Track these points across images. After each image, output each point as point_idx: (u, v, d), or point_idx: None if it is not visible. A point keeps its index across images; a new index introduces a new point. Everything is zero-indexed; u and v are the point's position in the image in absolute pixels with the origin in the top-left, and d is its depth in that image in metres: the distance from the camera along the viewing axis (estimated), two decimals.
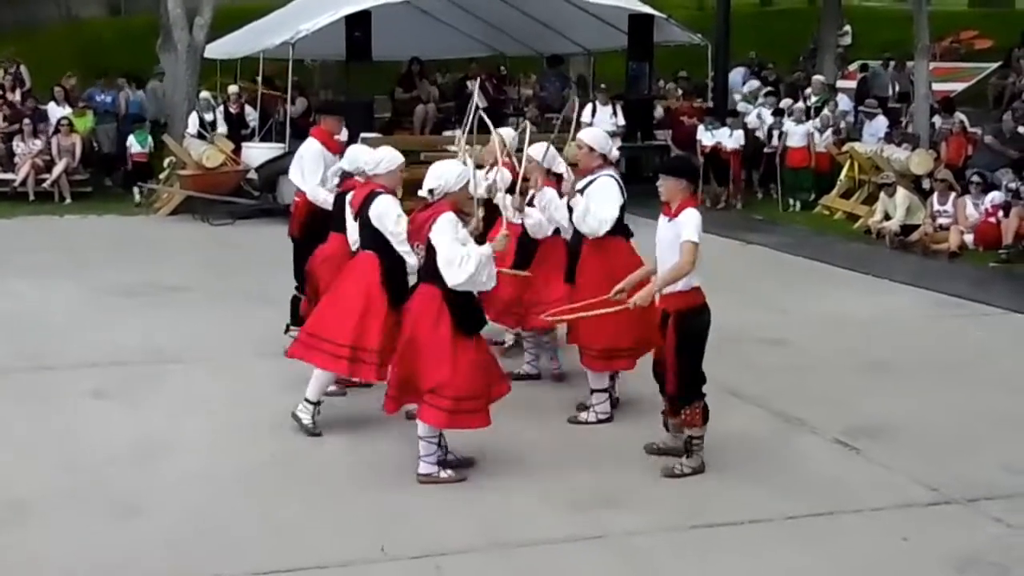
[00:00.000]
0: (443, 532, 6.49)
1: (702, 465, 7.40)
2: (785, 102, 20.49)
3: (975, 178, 16.15)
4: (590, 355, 8.21)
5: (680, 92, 22.80)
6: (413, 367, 7.10)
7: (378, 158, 7.89)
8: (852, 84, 23.84)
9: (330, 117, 9.64)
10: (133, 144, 20.21)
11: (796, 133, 19.46)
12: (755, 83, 23.44)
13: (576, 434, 8.10)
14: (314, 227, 9.06)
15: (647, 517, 6.71)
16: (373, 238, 7.75)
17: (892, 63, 23.75)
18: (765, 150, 20.00)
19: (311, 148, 9.31)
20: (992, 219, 15.46)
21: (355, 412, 8.29)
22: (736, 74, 24.03)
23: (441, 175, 7.07)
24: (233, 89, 20.71)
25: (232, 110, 20.06)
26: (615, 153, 8.50)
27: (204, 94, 20.43)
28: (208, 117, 19.61)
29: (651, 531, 6.53)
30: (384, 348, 7.61)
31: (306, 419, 8.01)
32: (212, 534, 6.45)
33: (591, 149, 8.22)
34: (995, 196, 15.78)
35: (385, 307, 7.71)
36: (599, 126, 15.61)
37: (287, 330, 9.62)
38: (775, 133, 19.73)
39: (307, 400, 8.02)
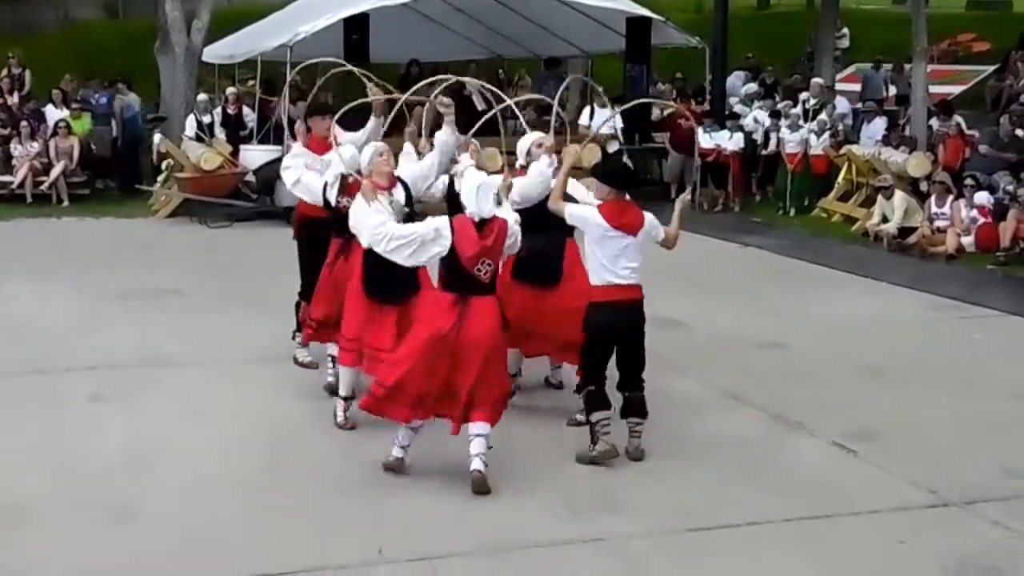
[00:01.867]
0: (441, 535, 6.49)
1: (603, 455, 7.45)
2: (785, 104, 20.46)
3: (968, 181, 16.17)
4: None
5: (675, 92, 22.79)
6: None
7: (364, 156, 8.01)
8: (851, 87, 23.83)
9: (317, 117, 9.54)
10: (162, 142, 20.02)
11: (792, 139, 19.47)
12: (754, 86, 23.44)
13: (573, 438, 8.08)
14: (315, 230, 8.99)
15: (645, 520, 6.71)
16: None
17: (885, 66, 23.75)
18: (763, 153, 20.00)
19: (292, 153, 9.24)
20: (982, 219, 15.48)
21: (352, 417, 8.28)
22: (735, 78, 24.03)
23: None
24: (231, 91, 20.69)
25: (230, 112, 20.05)
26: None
27: (201, 96, 20.42)
28: (206, 119, 19.60)
29: (649, 534, 6.53)
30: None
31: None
32: (209, 538, 6.44)
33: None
34: (981, 197, 15.80)
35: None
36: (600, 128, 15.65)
37: (294, 336, 9.60)
38: (772, 136, 19.73)
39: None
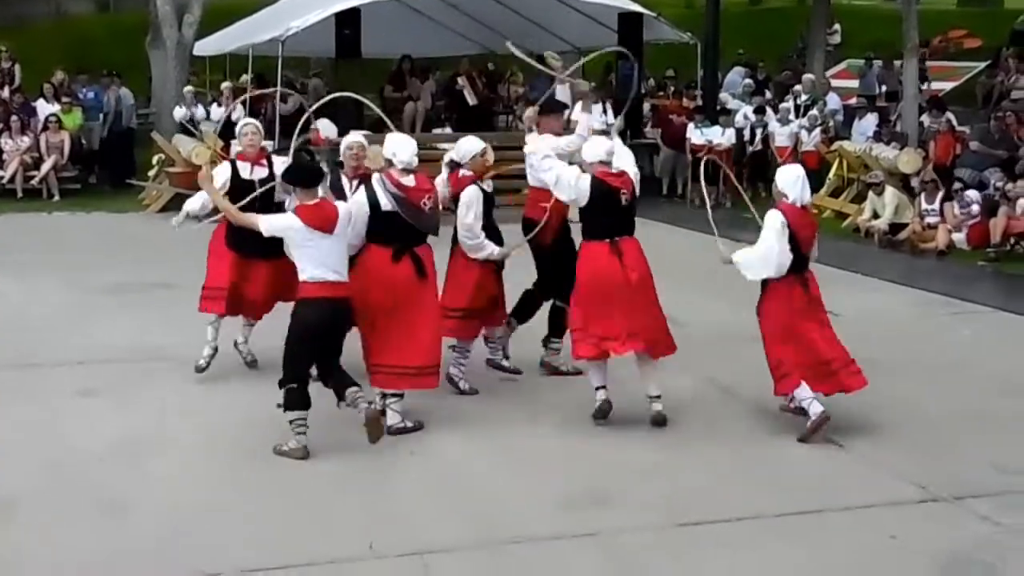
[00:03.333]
0: (431, 530, 6.48)
1: (291, 452, 7.49)
2: (772, 100, 20.47)
3: (956, 184, 16.19)
4: None
5: (653, 84, 22.77)
6: None
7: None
8: (844, 83, 23.86)
9: (550, 115, 9.41)
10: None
11: (782, 133, 19.48)
12: (751, 83, 23.49)
13: (564, 432, 8.09)
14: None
15: (636, 515, 6.71)
16: None
17: (878, 62, 23.79)
18: (750, 148, 20.03)
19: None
20: (972, 220, 15.52)
21: (341, 413, 8.26)
22: (735, 74, 24.06)
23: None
24: (225, 86, 20.66)
25: (222, 107, 19.99)
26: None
27: (187, 89, 20.37)
28: (191, 112, 19.53)
29: (640, 529, 6.53)
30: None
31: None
32: (199, 532, 6.44)
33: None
34: (971, 195, 15.82)
35: None
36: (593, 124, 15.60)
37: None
38: (757, 132, 19.75)
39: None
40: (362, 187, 8.04)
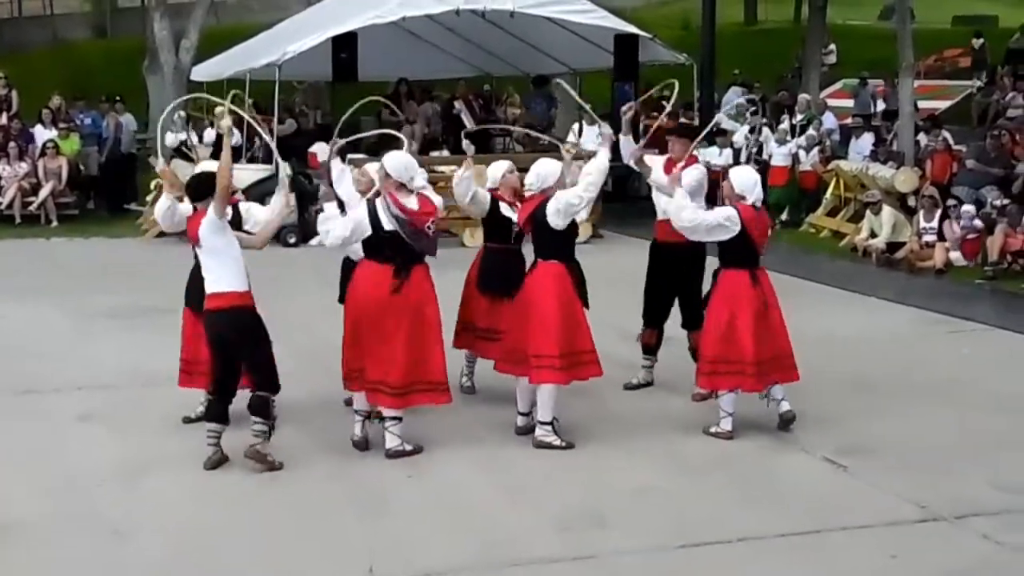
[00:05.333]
0: (431, 553, 6.47)
1: (210, 462, 7.70)
2: (782, 127, 20.45)
3: (951, 202, 16.22)
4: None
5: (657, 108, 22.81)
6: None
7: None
8: (840, 103, 23.92)
9: (676, 138, 9.54)
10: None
11: (779, 153, 19.52)
12: (742, 100, 23.48)
13: (563, 455, 8.08)
14: None
15: (636, 537, 6.70)
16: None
17: (874, 81, 23.85)
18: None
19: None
20: (974, 235, 15.55)
21: (343, 436, 8.27)
22: (732, 94, 24.11)
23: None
24: (219, 110, 20.65)
25: (219, 132, 20.00)
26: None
27: (179, 113, 20.39)
28: (181, 137, 19.53)
29: (640, 551, 6.52)
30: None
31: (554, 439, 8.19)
32: (199, 557, 6.43)
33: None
34: (968, 210, 15.86)
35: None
36: (586, 146, 15.66)
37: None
38: (752, 152, 19.80)
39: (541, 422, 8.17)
40: (363, 204, 8.00)
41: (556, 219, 8.15)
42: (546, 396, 8.15)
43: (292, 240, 17.22)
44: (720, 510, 7.11)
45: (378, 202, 7.89)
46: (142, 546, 6.54)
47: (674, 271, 9.39)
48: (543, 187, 8.29)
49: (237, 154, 19.27)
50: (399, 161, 7.97)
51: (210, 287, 7.62)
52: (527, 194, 8.49)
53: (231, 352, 7.69)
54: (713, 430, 8.43)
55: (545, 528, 6.82)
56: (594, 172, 8.20)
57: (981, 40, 28.41)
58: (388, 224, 7.79)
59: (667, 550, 6.56)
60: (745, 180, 8.50)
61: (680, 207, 8.30)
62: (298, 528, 6.80)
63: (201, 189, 7.86)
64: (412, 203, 7.87)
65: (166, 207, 8.44)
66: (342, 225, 7.88)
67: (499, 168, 9.09)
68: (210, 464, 7.71)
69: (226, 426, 7.74)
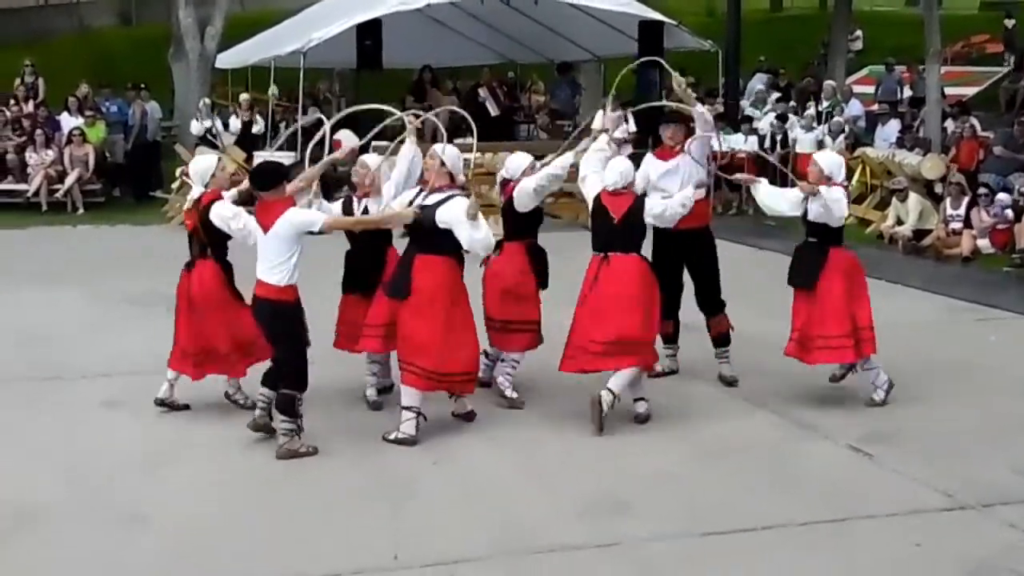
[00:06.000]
0: (456, 540, 6.48)
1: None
2: (808, 112, 20.35)
3: (982, 190, 16.11)
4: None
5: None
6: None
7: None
8: (867, 89, 23.79)
9: (670, 125, 9.49)
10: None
11: (805, 139, 19.43)
12: (762, 87, 23.39)
13: (586, 441, 8.08)
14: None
15: (660, 525, 6.70)
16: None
17: (899, 67, 23.71)
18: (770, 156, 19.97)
19: None
20: (1005, 224, 15.44)
21: (366, 424, 8.29)
22: (757, 81, 24.02)
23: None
24: (244, 97, 20.72)
25: (244, 119, 20.06)
26: (461, 178, 8.40)
27: (203, 101, 20.43)
28: (207, 124, 19.58)
29: (664, 538, 6.51)
30: None
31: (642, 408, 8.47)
32: (221, 543, 6.45)
33: (442, 164, 8.18)
34: (1002, 198, 15.75)
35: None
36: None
37: None
38: (778, 139, 19.70)
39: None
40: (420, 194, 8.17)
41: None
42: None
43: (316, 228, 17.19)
44: (744, 497, 7.09)
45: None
46: (162, 534, 6.56)
47: (682, 257, 9.33)
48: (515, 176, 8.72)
49: (262, 141, 19.45)
50: (454, 153, 8.28)
51: (262, 274, 7.66)
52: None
53: (269, 339, 7.83)
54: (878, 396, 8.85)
55: (568, 515, 6.82)
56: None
57: (1012, 21, 28.21)
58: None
59: (691, 538, 6.55)
60: (832, 162, 8.91)
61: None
62: (322, 515, 6.82)
63: (269, 179, 7.79)
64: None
65: (241, 227, 8.17)
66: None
67: (521, 160, 9.01)
68: (253, 425, 7.97)
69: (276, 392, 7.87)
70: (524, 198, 8.69)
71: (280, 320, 7.69)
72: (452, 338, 7.92)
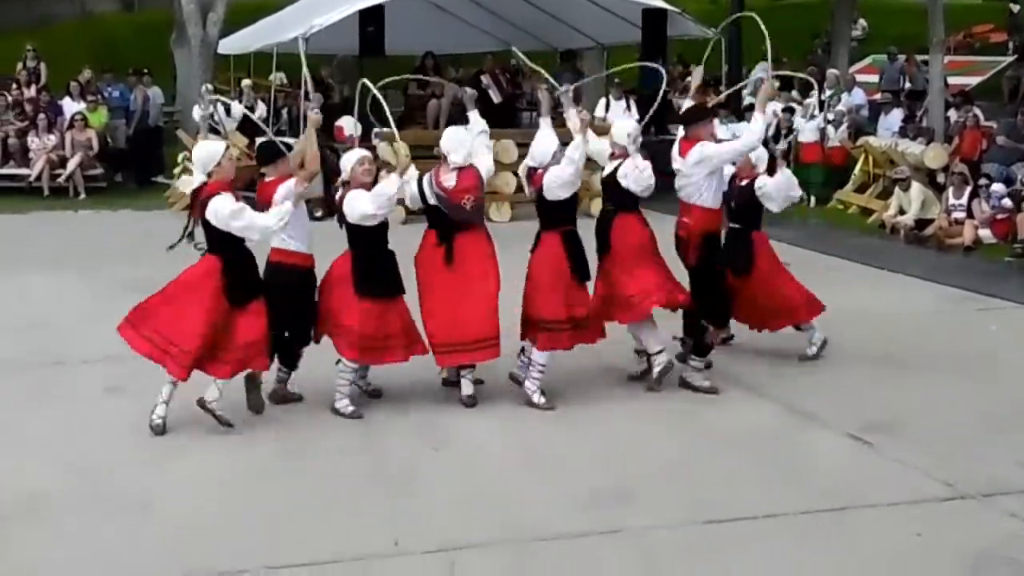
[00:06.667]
0: (457, 527, 6.49)
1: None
2: (809, 101, 20.31)
3: (983, 180, 16.09)
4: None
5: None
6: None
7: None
8: (869, 78, 23.74)
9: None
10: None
11: (807, 128, 19.40)
12: (762, 75, 23.32)
13: (588, 429, 8.10)
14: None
15: (661, 513, 6.70)
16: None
17: (901, 56, 23.65)
18: (772, 146, 19.94)
19: None
20: (1004, 215, 15.42)
21: (367, 411, 8.30)
22: (761, 70, 23.94)
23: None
24: (245, 83, 20.70)
25: (245, 105, 20.02)
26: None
27: (205, 87, 20.39)
28: (209, 111, 19.51)
29: (666, 526, 6.52)
30: None
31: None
32: (224, 529, 6.46)
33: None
34: (998, 188, 15.73)
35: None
36: (613, 120, 15.60)
37: None
38: (783, 130, 19.69)
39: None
40: (413, 181, 8.53)
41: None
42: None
43: (319, 214, 17.22)
44: (745, 486, 7.10)
45: (424, 178, 8.50)
46: (166, 520, 6.57)
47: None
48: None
49: (265, 126, 19.40)
50: (448, 136, 8.66)
51: (275, 242, 8.22)
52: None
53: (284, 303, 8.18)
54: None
55: (571, 504, 6.82)
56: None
57: (1018, 6, 28.13)
58: (431, 198, 8.46)
59: (692, 525, 6.56)
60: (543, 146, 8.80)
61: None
62: (323, 501, 6.83)
63: (267, 154, 8.68)
64: (451, 181, 8.38)
65: (244, 224, 8.11)
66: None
67: (548, 145, 8.74)
68: (274, 398, 8.49)
69: (293, 370, 8.53)
70: (557, 190, 8.48)
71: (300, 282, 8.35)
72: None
